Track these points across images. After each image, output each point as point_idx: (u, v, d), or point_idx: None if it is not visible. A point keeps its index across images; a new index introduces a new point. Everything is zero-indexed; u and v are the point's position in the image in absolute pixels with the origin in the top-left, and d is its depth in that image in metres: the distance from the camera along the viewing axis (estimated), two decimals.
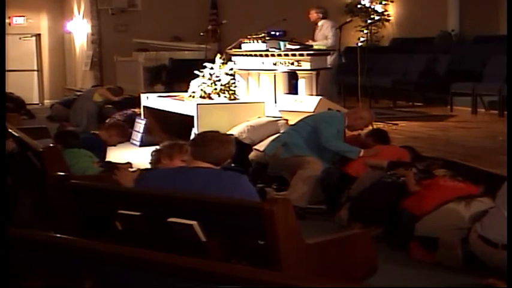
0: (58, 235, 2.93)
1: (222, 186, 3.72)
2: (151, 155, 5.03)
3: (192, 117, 9.06)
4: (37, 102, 17.69)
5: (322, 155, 6.72)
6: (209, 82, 9.45)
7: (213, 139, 3.92)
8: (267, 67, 9.54)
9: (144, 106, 10.82)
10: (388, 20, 15.55)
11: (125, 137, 7.80)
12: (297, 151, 6.70)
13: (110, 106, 12.24)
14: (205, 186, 3.71)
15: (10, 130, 6.34)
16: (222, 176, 3.81)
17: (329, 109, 8.06)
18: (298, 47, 9.27)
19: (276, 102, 9.37)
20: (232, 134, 8.51)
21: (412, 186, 5.61)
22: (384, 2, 15.72)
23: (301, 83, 9.26)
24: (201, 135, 4.12)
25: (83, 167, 6.14)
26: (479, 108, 10.28)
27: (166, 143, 4.97)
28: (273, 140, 7.26)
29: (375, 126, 7.81)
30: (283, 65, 9.35)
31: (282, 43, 9.40)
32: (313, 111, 8.22)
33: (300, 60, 9.16)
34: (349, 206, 6.00)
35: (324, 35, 10.46)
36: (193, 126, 9.00)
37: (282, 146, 6.83)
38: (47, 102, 17.14)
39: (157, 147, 5.13)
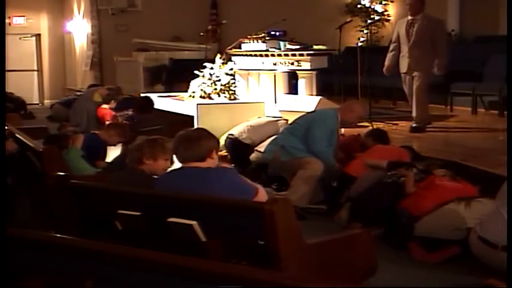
0: (58, 235, 2.93)
1: (207, 182, 3.74)
2: (130, 153, 4.60)
3: (192, 117, 9.05)
4: (37, 102, 17.68)
5: None
6: (209, 82, 9.44)
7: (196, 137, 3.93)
8: (267, 67, 9.54)
9: None
10: (388, 20, 15.54)
11: (124, 137, 7.79)
12: (296, 153, 6.66)
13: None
14: (192, 185, 3.73)
15: (10, 130, 6.34)
16: (207, 173, 3.82)
17: None
18: (298, 47, 9.27)
19: (276, 102, 9.36)
20: (233, 134, 8.53)
21: (410, 188, 5.60)
22: (384, 2, 15.71)
23: (301, 83, 9.26)
24: (182, 137, 3.99)
25: (80, 168, 6.09)
26: (479, 108, 10.27)
27: (145, 141, 4.56)
28: (270, 143, 7.21)
29: (374, 126, 7.80)
30: (283, 65, 9.35)
31: (282, 43, 9.41)
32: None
33: (300, 60, 9.16)
34: (349, 206, 6.00)
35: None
36: (193, 127, 8.98)
37: (280, 148, 6.78)
38: (47, 102, 17.13)
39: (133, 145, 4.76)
